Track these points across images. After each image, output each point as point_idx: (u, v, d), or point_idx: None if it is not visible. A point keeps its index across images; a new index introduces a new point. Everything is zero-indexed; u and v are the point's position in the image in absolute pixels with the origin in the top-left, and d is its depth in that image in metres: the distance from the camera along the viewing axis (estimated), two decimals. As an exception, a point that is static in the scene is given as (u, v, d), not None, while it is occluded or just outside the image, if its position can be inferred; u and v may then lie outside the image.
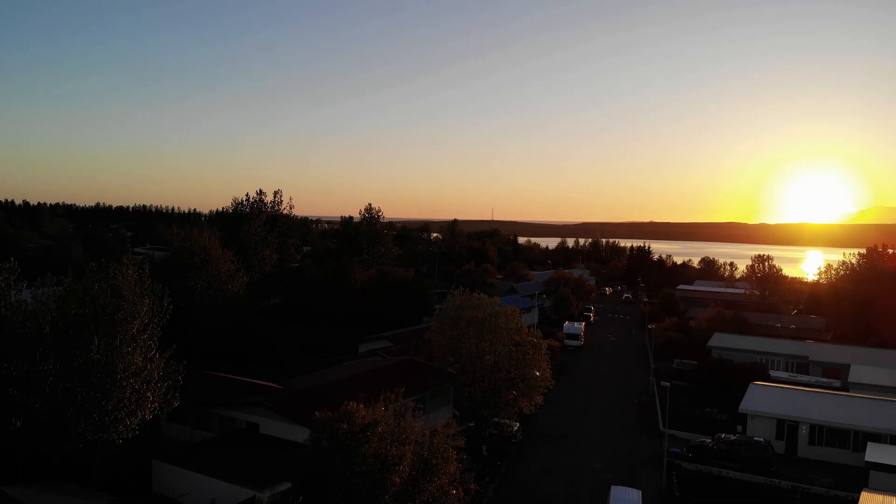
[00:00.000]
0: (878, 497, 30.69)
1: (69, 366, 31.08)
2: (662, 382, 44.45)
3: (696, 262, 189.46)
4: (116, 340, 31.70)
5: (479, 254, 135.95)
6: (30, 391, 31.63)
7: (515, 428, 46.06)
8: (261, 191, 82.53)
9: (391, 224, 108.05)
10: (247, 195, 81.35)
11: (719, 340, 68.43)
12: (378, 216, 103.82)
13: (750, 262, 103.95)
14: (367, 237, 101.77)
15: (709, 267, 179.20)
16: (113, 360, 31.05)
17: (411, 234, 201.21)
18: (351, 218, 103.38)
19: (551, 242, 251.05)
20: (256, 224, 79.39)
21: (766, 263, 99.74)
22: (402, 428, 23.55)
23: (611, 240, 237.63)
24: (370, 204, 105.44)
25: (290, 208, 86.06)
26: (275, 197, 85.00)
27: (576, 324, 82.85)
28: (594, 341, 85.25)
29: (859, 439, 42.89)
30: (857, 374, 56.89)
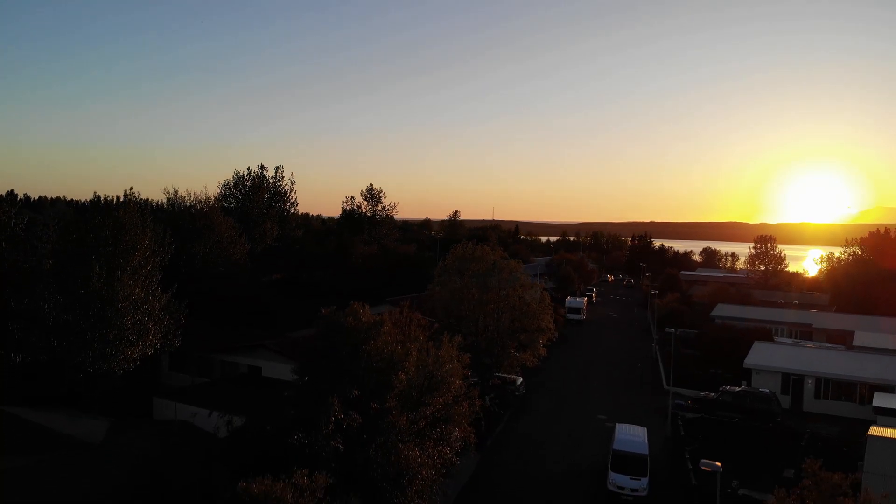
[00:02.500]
0: (886, 430, 30.37)
1: (70, 296, 30.89)
2: (667, 329, 44.15)
3: (697, 253, 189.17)
4: (118, 272, 31.52)
5: (480, 238, 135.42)
6: (30, 326, 31.48)
7: (518, 382, 45.79)
8: (262, 165, 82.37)
9: (392, 218, 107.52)
10: (248, 168, 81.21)
11: (722, 310, 68.08)
12: (380, 196, 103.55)
13: (753, 244, 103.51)
14: (368, 219, 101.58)
15: (710, 258, 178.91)
16: (114, 290, 30.85)
17: (412, 228, 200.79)
18: (352, 198, 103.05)
19: (553, 239, 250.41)
20: (258, 197, 79.32)
21: (769, 244, 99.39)
22: (406, 335, 23.29)
23: (612, 235, 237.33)
24: (371, 185, 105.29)
25: (292, 184, 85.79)
26: (276, 173, 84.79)
27: (578, 298, 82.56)
28: (596, 318, 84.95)
29: (866, 392, 42.58)
30: (862, 339, 56.52)
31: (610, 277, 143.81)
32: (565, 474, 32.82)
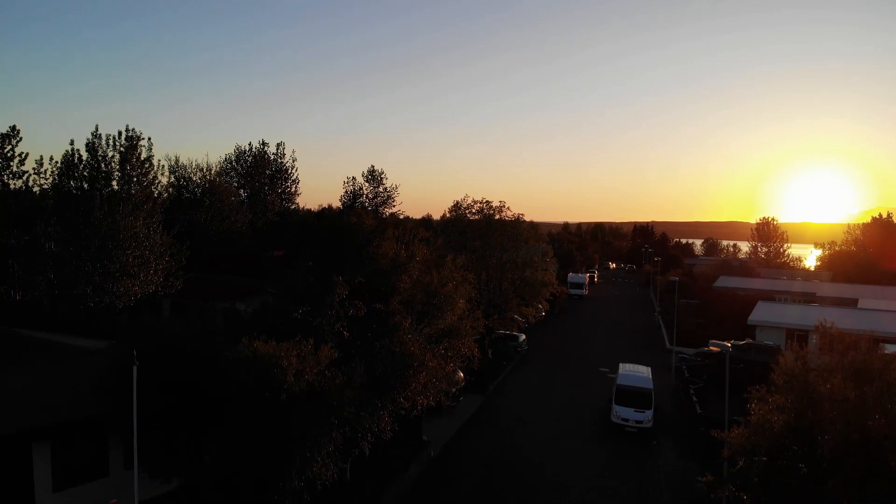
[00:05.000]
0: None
1: (71, 231, 30.76)
2: (671, 278, 43.93)
3: (699, 245, 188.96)
4: (119, 206, 31.40)
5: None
6: (31, 263, 31.39)
7: (521, 339, 45.61)
8: (263, 141, 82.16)
9: (393, 199, 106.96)
10: (249, 143, 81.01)
11: (725, 282, 67.69)
12: (381, 178, 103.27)
13: (756, 225, 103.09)
14: (370, 199, 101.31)
15: (711, 249, 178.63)
16: (115, 222, 30.71)
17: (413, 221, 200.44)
18: (353, 179, 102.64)
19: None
20: (259, 172, 79.17)
21: (772, 224, 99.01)
22: (409, 248, 23.10)
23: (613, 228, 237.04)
24: (373, 166, 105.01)
25: (294, 161, 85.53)
26: (277, 150, 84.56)
27: (580, 274, 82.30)
28: (598, 296, 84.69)
29: (871, 345, 42.28)
30: (866, 305, 56.26)
31: (612, 265, 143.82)
32: (567, 411, 32.67)
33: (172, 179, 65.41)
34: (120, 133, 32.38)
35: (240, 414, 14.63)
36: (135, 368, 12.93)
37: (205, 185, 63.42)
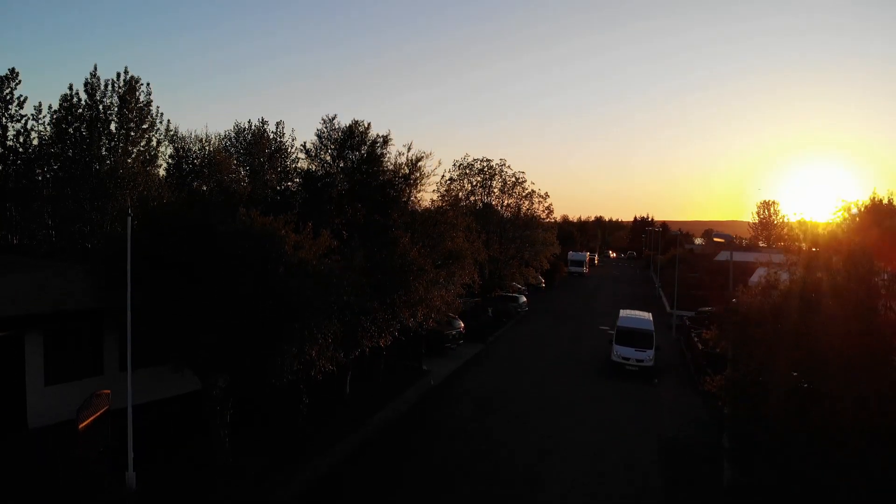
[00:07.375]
0: None
1: (69, 171, 30.59)
2: (673, 232, 43.68)
3: (699, 236, 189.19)
4: (119, 148, 31.25)
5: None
6: (27, 207, 31.24)
7: (522, 300, 45.44)
8: (263, 119, 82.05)
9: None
10: (249, 121, 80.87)
11: (726, 256, 67.42)
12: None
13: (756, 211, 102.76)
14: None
15: (711, 241, 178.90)
16: (114, 160, 30.55)
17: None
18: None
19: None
20: (259, 151, 79.06)
21: (772, 209, 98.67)
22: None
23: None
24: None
25: (293, 140, 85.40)
26: (277, 128, 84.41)
27: (580, 252, 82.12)
28: (598, 274, 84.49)
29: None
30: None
31: (612, 254, 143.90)
32: (566, 356, 32.54)
33: (171, 151, 65.31)
34: (118, 75, 32.17)
35: (236, 288, 14.31)
36: (129, 220, 12.65)
37: (205, 155, 63.21)
